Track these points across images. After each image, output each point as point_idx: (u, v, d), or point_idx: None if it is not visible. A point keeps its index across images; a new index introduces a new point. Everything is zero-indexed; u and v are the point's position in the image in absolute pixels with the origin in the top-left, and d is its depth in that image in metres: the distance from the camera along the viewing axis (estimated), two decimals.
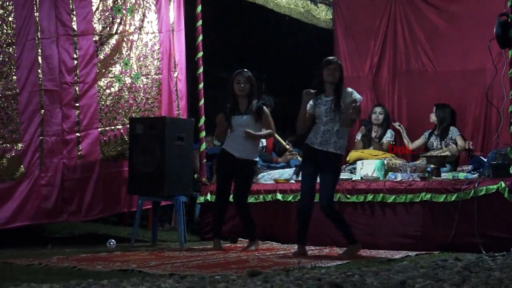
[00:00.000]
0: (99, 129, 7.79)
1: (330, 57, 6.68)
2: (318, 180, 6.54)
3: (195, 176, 8.22)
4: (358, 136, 9.07)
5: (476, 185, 6.80)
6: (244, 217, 7.10)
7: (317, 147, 6.46)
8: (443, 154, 8.21)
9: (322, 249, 7.05)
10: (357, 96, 6.49)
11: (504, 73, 7.44)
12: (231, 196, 7.17)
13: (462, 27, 8.86)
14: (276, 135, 8.68)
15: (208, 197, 8.09)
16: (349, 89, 6.56)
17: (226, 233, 7.84)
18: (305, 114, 6.57)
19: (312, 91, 6.49)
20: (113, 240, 7.16)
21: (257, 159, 7.27)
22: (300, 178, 7.65)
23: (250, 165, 7.07)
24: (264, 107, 7.14)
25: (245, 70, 7.13)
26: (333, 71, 6.50)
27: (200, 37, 8.38)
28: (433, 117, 8.68)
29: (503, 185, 6.69)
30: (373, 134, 8.94)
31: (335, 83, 6.52)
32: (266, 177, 8.17)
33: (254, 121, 7.06)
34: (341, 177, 7.60)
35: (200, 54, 8.36)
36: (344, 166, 8.69)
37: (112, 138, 7.85)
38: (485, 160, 7.67)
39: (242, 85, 7.04)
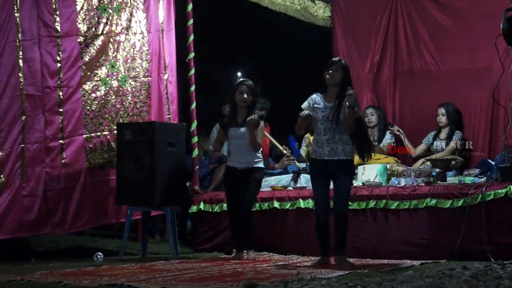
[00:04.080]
0: (84, 136, 7.76)
1: (335, 58, 6.72)
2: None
3: (188, 184, 8.19)
4: None
5: (483, 189, 6.78)
6: (245, 224, 7.12)
7: (326, 158, 6.50)
8: (448, 157, 8.21)
9: (305, 258, 7.01)
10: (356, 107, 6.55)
11: (511, 71, 7.41)
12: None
13: (467, 24, 8.87)
14: (273, 140, 8.68)
15: (201, 206, 8.08)
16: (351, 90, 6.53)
17: (220, 244, 7.84)
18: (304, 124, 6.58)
19: (306, 113, 6.46)
20: (100, 253, 7.12)
21: (262, 165, 7.28)
22: (298, 185, 7.66)
23: (254, 172, 7.15)
24: (262, 121, 7.24)
25: (248, 79, 7.23)
26: (333, 72, 6.53)
27: (192, 37, 8.37)
28: (443, 119, 8.64)
29: None
30: (371, 137, 8.91)
31: (338, 85, 6.52)
32: (263, 184, 8.13)
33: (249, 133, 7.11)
34: None
35: (192, 55, 8.36)
36: None
37: (98, 145, 7.82)
38: (493, 163, 7.65)
39: (245, 96, 7.12)
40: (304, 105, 6.58)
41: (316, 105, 6.54)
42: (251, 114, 7.10)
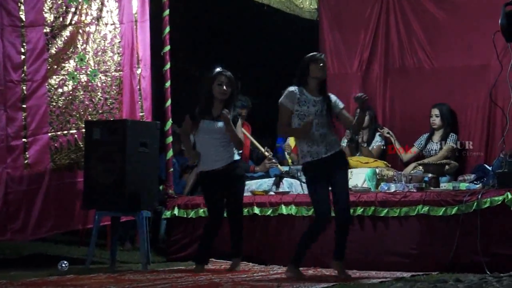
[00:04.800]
0: (50, 134, 7.72)
1: (317, 53, 6.70)
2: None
3: (161, 187, 8.17)
4: (344, 142, 9.05)
5: (479, 196, 6.79)
6: (237, 230, 7.12)
7: (324, 155, 6.47)
8: (442, 162, 8.22)
9: (306, 270, 7.00)
10: (340, 103, 6.62)
11: (510, 70, 7.44)
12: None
13: (463, 18, 8.90)
14: (254, 141, 8.65)
15: (176, 211, 8.07)
16: (332, 95, 6.62)
17: (196, 252, 7.82)
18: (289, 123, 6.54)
19: (311, 118, 6.44)
20: (65, 262, 7.07)
21: (238, 157, 7.21)
22: (280, 190, 7.65)
23: (234, 168, 7.09)
24: (239, 119, 7.23)
25: (226, 70, 7.14)
26: (323, 67, 6.56)
27: (167, 29, 8.36)
28: (436, 120, 8.66)
29: (510, 196, 6.67)
30: (360, 139, 8.91)
31: (322, 81, 6.57)
32: None
33: (227, 130, 7.05)
34: None
35: (167, 48, 8.34)
36: None
37: (64, 144, 7.79)
38: (490, 168, 7.67)
39: (225, 88, 7.04)
40: (286, 101, 6.47)
41: (303, 100, 6.52)
42: (227, 108, 7.04)
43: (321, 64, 6.54)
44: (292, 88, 6.51)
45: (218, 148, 7.04)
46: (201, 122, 7.05)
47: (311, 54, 6.59)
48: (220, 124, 7.01)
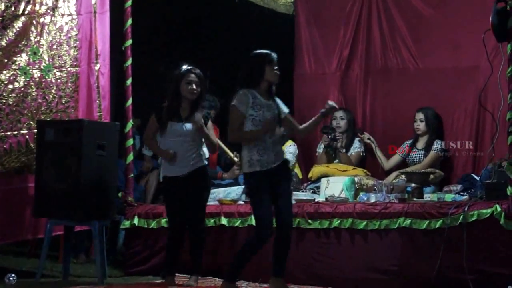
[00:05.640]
0: None
1: (271, 53, 6.64)
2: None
3: (120, 194, 8.14)
4: (320, 148, 9.07)
5: (466, 209, 6.83)
6: (198, 243, 7.12)
7: (273, 165, 6.49)
8: (426, 170, 8.26)
9: (257, 285, 7.02)
10: (285, 107, 6.69)
11: (501, 72, 7.48)
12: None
13: (451, 16, 8.94)
14: (223, 145, 8.64)
15: (135, 221, 8.05)
16: (277, 99, 6.66)
17: (156, 266, 7.79)
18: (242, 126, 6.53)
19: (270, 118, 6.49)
20: (13, 275, 7.04)
21: (205, 163, 7.26)
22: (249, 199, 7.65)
23: (200, 174, 7.10)
24: (209, 121, 7.26)
25: (195, 67, 7.17)
26: (278, 69, 6.58)
27: (129, 21, 8.33)
28: (421, 126, 8.70)
29: (499, 209, 6.71)
30: (338, 144, 8.92)
31: (273, 86, 6.62)
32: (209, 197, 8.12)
33: (197, 132, 7.08)
34: (301, 197, 7.64)
35: (129, 42, 8.32)
36: (305, 184, 8.72)
37: (14, 146, 7.75)
38: (477, 178, 7.72)
39: (194, 87, 7.05)
40: (240, 105, 6.43)
41: (257, 103, 6.49)
42: (196, 109, 7.04)
43: (276, 67, 6.56)
44: (244, 91, 6.48)
45: (185, 153, 7.07)
46: (169, 124, 7.05)
47: (265, 53, 6.58)
48: (189, 126, 7.03)
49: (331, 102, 6.70)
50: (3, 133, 7.70)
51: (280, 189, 6.49)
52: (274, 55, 6.59)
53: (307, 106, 9.51)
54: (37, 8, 7.99)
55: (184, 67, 7.14)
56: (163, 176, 7.23)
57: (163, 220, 7.86)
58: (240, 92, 6.46)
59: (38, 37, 7.99)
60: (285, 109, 6.67)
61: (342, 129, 9.02)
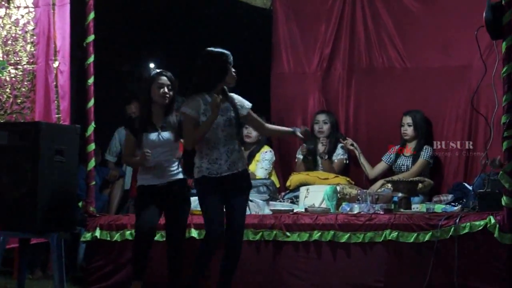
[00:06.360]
0: None
1: (228, 53, 6.67)
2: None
3: (80, 204, 8.09)
4: (300, 154, 9.06)
5: (457, 220, 6.84)
6: (177, 261, 7.07)
7: (225, 174, 6.52)
8: (415, 179, 8.26)
9: None
10: (247, 102, 6.71)
11: (495, 72, 7.48)
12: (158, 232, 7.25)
13: (441, 11, 9.00)
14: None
15: (97, 233, 7.99)
16: (234, 95, 6.69)
17: (121, 282, 7.75)
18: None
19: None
20: None
21: (182, 176, 7.23)
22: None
23: (179, 186, 7.10)
24: None
25: (166, 71, 7.18)
26: (235, 72, 6.61)
27: (92, 15, 8.28)
28: (409, 130, 8.71)
29: (493, 220, 6.73)
30: (321, 148, 8.91)
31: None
32: None
33: (175, 139, 7.07)
34: (279, 208, 7.62)
35: (91, 37, 8.26)
36: (282, 193, 8.69)
37: None
38: (470, 187, 7.73)
39: (167, 91, 7.04)
40: (190, 111, 6.46)
41: (209, 109, 6.47)
42: (170, 114, 7.01)
43: (234, 70, 6.59)
44: (194, 97, 6.52)
45: (164, 163, 7.07)
46: (144, 136, 7.00)
47: (225, 52, 6.60)
48: (166, 135, 7.02)
49: (307, 129, 6.90)
50: None
51: (234, 202, 6.55)
52: (229, 55, 6.62)
53: (285, 108, 9.52)
54: None
55: (155, 70, 7.14)
56: (138, 185, 7.16)
57: (128, 232, 7.81)
58: (190, 97, 6.52)
59: None
60: (246, 104, 6.68)
61: (325, 134, 9.01)
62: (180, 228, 7.12)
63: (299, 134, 6.87)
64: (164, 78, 7.08)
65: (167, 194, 7.03)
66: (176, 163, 7.12)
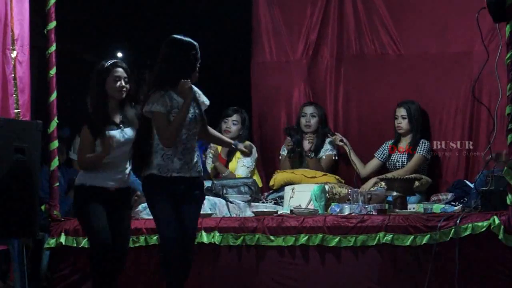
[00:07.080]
0: None
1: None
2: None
3: (43, 207, 8.03)
4: (284, 151, 9.02)
5: (458, 221, 6.85)
6: (117, 270, 7.00)
7: (175, 174, 6.49)
8: (411, 176, 8.23)
9: None
10: (205, 98, 6.69)
11: (498, 58, 7.47)
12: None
13: None
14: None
15: (62, 239, 7.98)
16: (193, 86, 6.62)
17: None
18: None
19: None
20: None
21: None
22: (201, 212, 7.59)
23: (127, 194, 7.09)
24: None
25: (120, 60, 7.12)
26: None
27: (53, 0, 8.22)
28: (403, 123, 8.68)
29: (497, 221, 6.74)
30: (307, 146, 8.88)
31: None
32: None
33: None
34: (261, 209, 7.59)
35: (53, 24, 8.24)
36: (266, 193, 8.67)
37: None
38: (471, 185, 7.73)
39: (123, 84, 6.95)
40: (159, 108, 6.41)
41: (175, 106, 6.45)
42: (126, 108, 6.92)
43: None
44: (160, 93, 6.46)
45: (121, 163, 6.97)
46: (107, 135, 6.89)
47: (191, 43, 6.55)
48: (129, 132, 6.93)
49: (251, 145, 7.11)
50: None
51: (184, 210, 6.52)
52: (196, 44, 6.60)
53: (268, 100, 9.56)
54: None
55: (109, 61, 7.00)
56: (88, 185, 7.04)
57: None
58: (155, 94, 6.44)
59: None
60: (205, 100, 6.67)
61: (312, 128, 9.00)
62: (126, 239, 7.08)
63: (241, 147, 6.97)
64: (121, 69, 6.96)
65: (115, 202, 6.95)
66: (129, 167, 7.05)
